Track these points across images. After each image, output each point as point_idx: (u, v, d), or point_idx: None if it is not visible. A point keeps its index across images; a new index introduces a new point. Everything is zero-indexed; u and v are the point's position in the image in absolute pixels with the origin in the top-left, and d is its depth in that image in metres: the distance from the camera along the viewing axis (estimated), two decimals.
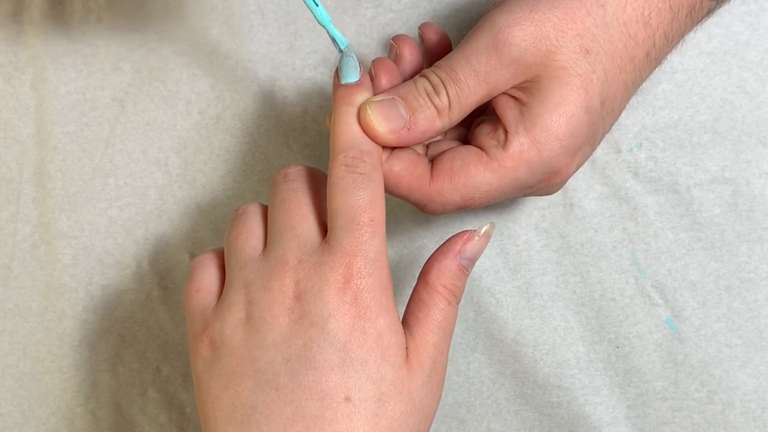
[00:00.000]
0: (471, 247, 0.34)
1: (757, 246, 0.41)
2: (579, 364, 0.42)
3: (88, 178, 0.45)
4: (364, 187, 0.33)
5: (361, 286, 0.32)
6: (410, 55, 0.37)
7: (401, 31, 0.43)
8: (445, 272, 0.34)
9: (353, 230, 0.32)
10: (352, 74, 0.34)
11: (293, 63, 0.43)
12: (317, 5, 0.35)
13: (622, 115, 0.41)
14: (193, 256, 0.44)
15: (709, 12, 0.37)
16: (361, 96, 0.34)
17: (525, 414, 0.43)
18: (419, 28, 0.39)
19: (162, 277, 0.45)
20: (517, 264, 0.43)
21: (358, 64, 0.34)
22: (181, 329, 0.45)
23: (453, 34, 0.43)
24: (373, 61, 0.35)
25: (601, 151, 0.42)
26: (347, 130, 0.34)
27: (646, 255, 0.42)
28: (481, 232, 0.35)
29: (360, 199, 0.32)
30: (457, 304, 0.35)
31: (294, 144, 0.44)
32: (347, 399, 0.31)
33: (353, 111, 0.34)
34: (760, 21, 0.41)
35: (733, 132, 0.41)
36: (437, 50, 0.39)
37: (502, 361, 0.43)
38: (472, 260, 0.35)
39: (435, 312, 0.33)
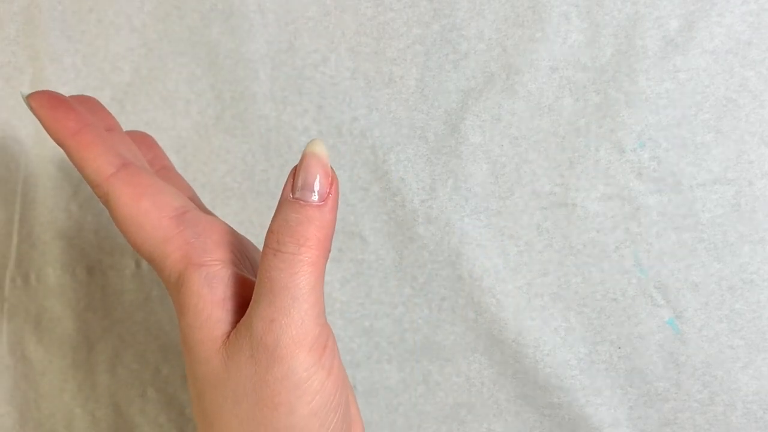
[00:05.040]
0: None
1: (759, 247, 0.41)
2: (580, 365, 0.42)
3: None
4: None
5: None
6: None
7: (401, 30, 0.43)
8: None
9: None
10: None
11: (293, 63, 0.43)
12: None
13: (625, 114, 0.41)
14: None
15: None
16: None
17: (526, 415, 0.43)
18: None
19: None
20: (518, 265, 0.43)
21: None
22: None
23: (453, 33, 0.43)
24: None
25: (604, 151, 0.42)
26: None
27: (649, 255, 0.42)
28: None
29: None
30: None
31: (294, 144, 0.44)
32: None
33: None
34: (761, 20, 0.41)
35: (736, 131, 0.41)
36: None
37: (502, 362, 0.43)
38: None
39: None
